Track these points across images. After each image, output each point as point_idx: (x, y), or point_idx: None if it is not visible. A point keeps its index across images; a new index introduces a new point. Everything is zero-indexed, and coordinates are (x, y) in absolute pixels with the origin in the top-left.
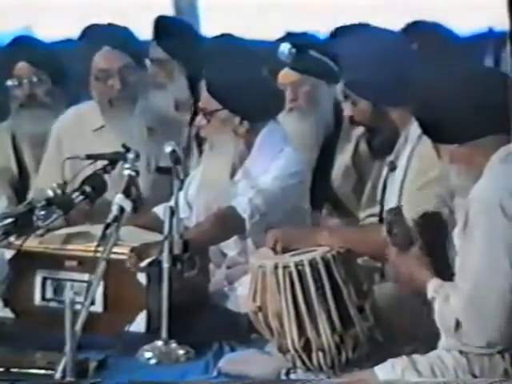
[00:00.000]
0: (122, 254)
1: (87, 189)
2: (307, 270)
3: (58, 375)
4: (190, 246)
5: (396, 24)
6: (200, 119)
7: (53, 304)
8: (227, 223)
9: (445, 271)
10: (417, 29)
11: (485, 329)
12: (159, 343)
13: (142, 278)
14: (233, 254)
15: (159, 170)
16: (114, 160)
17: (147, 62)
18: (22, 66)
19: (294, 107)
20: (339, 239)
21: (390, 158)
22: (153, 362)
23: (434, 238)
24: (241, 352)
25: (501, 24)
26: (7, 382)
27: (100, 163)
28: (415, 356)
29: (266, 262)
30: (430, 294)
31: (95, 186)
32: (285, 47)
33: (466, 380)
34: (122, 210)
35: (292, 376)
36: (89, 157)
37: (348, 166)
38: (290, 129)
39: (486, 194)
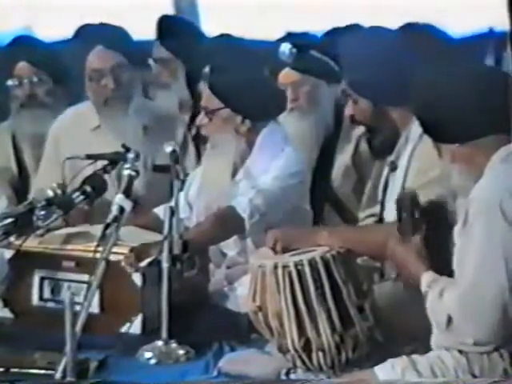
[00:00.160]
0: (122, 254)
1: (87, 189)
2: (307, 269)
3: (58, 375)
4: (189, 245)
5: (396, 24)
6: (202, 118)
7: (50, 304)
8: (227, 223)
9: (444, 267)
10: (414, 29)
11: (476, 327)
12: (159, 343)
13: (137, 279)
14: (232, 254)
15: (156, 168)
16: (114, 160)
17: (150, 61)
18: (22, 66)
19: (295, 107)
20: (339, 239)
21: (391, 157)
22: (153, 362)
23: (437, 228)
24: (241, 352)
25: (501, 24)
26: (7, 382)
27: (100, 163)
28: (415, 356)
29: (265, 261)
30: (423, 287)
31: (95, 185)
32: (285, 47)
33: (466, 380)
34: (121, 210)
35: (292, 376)
36: (89, 157)
37: (348, 165)
38: (290, 129)
39: (486, 193)
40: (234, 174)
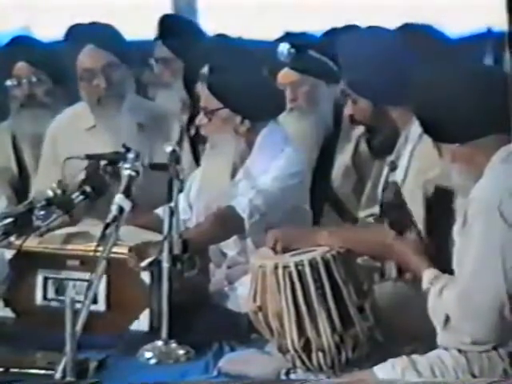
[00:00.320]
0: (125, 253)
1: (87, 189)
2: (307, 269)
3: (58, 375)
4: (189, 245)
5: (395, 24)
6: (201, 118)
7: (54, 304)
8: (227, 223)
9: (446, 264)
10: (412, 29)
11: (473, 325)
12: (159, 343)
13: (145, 276)
14: (233, 254)
15: (153, 166)
16: (114, 160)
17: (152, 61)
18: (21, 66)
19: (294, 107)
20: (339, 239)
21: (391, 157)
22: (153, 361)
23: (440, 219)
24: (241, 352)
25: (499, 24)
26: (7, 382)
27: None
28: (415, 356)
29: (266, 261)
30: (424, 284)
31: (95, 186)
32: (284, 47)
33: (466, 380)
34: (121, 209)
35: (292, 376)
36: (89, 157)
37: (348, 165)
38: (289, 129)
39: (485, 193)
40: (234, 174)
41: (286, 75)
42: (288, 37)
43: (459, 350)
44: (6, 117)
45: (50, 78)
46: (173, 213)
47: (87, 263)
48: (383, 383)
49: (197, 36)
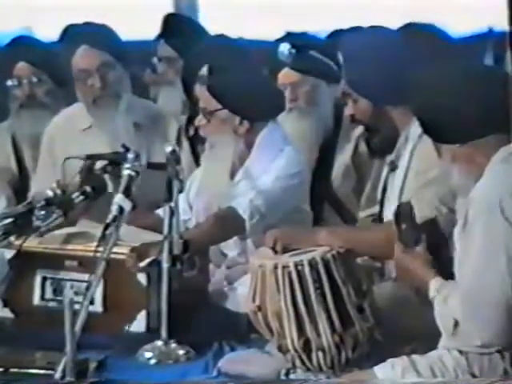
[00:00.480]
0: (123, 254)
1: (87, 189)
2: (307, 269)
3: (57, 375)
4: (189, 246)
5: (396, 24)
6: (200, 119)
7: (52, 304)
8: (227, 224)
9: (448, 271)
10: (413, 29)
11: (481, 328)
12: (159, 343)
13: (142, 278)
14: (233, 255)
15: (151, 166)
16: (113, 160)
17: (155, 60)
18: (21, 66)
19: (294, 107)
20: (339, 239)
21: (391, 157)
22: (153, 362)
23: (438, 240)
24: (241, 352)
25: (500, 24)
26: (7, 382)
27: (100, 163)
28: (415, 356)
29: (265, 261)
30: (431, 293)
31: (95, 185)
32: (284, 47)
33: (466, 380)
34: (121, 209)
35: (292, 376)
36: (89, 157)
37: (348, 165)
38: (289, 129)
39: (486, 194)
40: (233, 174)
41: (286, 75)
42: (289, 37)
43: (460, 351)
44: (6, 117)
45: (51, 79)
46: (173, 213)
47: (85, 264)
48: (383, 383)
49: (200, 36)
